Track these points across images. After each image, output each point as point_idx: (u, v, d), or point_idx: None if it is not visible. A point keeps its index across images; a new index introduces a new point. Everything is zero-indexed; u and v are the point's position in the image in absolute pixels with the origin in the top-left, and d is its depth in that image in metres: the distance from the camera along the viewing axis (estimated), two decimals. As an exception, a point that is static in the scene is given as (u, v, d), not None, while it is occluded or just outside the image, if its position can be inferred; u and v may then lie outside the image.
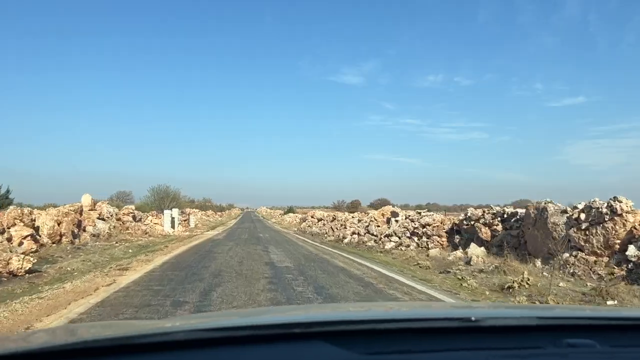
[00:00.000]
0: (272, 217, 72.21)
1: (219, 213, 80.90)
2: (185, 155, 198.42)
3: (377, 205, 59.28)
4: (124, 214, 22.52)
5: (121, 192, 46.86)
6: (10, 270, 8.74)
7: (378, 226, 20.22)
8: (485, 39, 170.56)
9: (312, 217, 37.81)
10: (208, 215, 59.71)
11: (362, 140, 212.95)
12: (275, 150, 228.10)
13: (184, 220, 32.59)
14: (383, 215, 21.50)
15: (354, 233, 21.15)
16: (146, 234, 22.10)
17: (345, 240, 20.44)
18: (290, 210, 78.21)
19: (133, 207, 24.88)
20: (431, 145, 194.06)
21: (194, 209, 48.21)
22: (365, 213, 30.62)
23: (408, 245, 16.38)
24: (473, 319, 1.13)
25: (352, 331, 1.13)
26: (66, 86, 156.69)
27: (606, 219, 9.50)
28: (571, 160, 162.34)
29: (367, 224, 21.15)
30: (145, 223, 24.24)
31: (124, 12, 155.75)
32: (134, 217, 23.16)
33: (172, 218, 26.55)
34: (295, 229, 35.62)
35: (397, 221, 19.18)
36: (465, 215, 15.79)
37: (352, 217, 27.62)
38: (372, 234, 19.58)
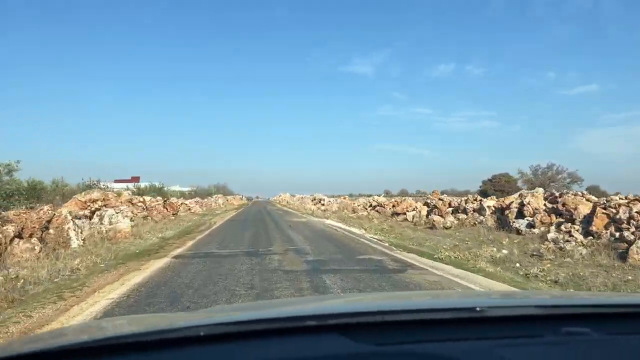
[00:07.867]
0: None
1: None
2: (188, 148, 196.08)
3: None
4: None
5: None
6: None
7: None
8: (497, 28, 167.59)
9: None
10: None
11: (372, 130, 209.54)
12: (279, 139, 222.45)
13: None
14: None
15: None
16: None
17: None
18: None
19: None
20: (442, 134, 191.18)
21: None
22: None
23: None
24: (478, 309, 1.17)
25: (362, 323, 1.15)
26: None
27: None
28: (584, 149, 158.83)
29: None
30: None
31: (127, 6, 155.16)
32: None
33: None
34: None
35: None
36: None
37: None
38: None
